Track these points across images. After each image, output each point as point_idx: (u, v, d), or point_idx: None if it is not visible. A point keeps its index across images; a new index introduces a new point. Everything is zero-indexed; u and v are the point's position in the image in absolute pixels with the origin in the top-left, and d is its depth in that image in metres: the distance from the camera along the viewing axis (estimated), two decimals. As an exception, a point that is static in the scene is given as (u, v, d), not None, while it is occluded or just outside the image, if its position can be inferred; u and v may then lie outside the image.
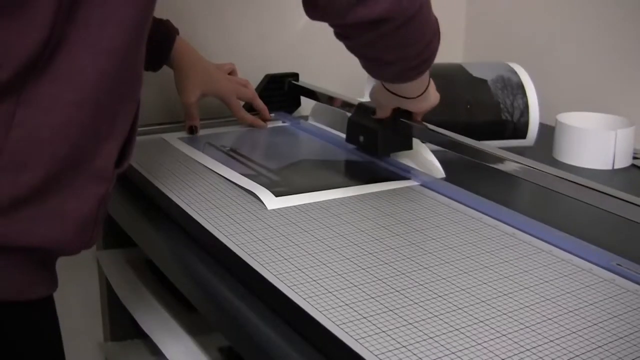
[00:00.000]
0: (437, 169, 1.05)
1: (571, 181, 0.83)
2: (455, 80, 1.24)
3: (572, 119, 1.22)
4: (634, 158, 1.19)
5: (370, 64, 0.91)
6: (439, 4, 1.65)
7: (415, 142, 1.09)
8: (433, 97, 1.03)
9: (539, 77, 1.49)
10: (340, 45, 1.59)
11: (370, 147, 1.10)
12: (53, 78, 0.63)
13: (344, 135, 1.17)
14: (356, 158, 1.11)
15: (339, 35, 0.86)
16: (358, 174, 1.04)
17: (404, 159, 1.08)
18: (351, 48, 0.88)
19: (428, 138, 1.05)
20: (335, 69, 1.53)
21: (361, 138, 1.11)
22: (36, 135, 0.63)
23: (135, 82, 0.72)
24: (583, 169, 1.15)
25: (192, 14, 1.36)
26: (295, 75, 1.37)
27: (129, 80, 0.70)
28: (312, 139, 1.21)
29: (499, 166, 0.92)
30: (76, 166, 0.67)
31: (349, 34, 0.84)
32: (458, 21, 1.69)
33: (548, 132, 1.28)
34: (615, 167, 1.15)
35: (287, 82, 1.36)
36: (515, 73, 1.27)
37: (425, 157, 1.08)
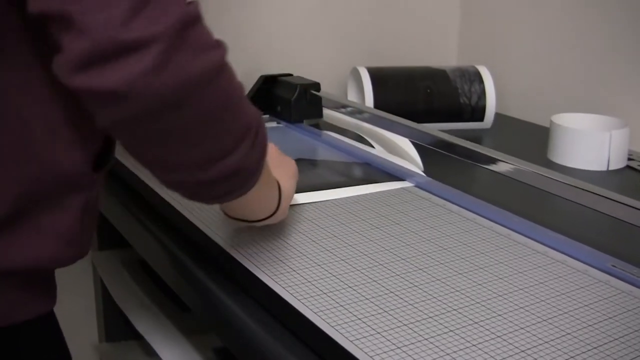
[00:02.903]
0: (417, 163, 1.05)
1: (566, 183, 0.83)
2: (415, 72, 1.37)
3: (567, 120, 1.23)
4: (629, 159, 1.19)
5: (145, 167, 0.62)
6: (433, 7, 1.67)
7: (397, 137, 1.13)
8: (281, 214, 0.79)
9: (533, 78, 1.50)
10: (334, 46, 1.60)
11: (285, 115, 1.29)
12: (9, 98, 0.61)
13: (338, 136, 1.18)
14: (350, 159, 1.11)
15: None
16: (352, 174, 1.04)
17: (384, 152, 1.09)
18: (114, 137, 0.64)
19: (426, 140, 1.05)
20: (330, 70, 1.53)
21: (278, 107, 1.30)
22: (4, 160, 0.61)
23: None
24: (577, 170, 1.15)
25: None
26: (289, 76, 1.37)
27: None
28: (307, 140, 1.21)
29: (494, 167, 0.92)
30: (48, 180, 0.64)
31: (89, 107, 0.56)
32: (452, 24, 1.69)
33: (542, 133, 1.28)
34: (610, 168, 1.15)
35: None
36: (474, 67, 1.39)
37: (406, 152, 1.09)
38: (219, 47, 0.57)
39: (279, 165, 0.78)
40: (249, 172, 0.64)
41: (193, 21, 0.54)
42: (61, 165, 0.65)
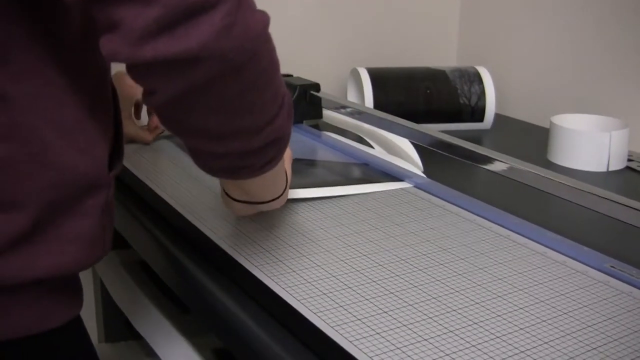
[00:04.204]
0: (417, 164, 1.06)
1: (565, 184, 0.83)
2: (414, 73, 1.38)
3: (566, 121, 1.23)
4: (629, 160, 1.19)
5: (194, 142, 0.63)
6: (432, 7, 1.67)
7: (397, 138, 1.13)
8: (285, 197, 0.81)
9: (533, 79, 1.50)
10: (334, 47, 1.60)
11: None
12: (20, 107, 0.61)
13: (338, 137, 1.18)
14: (350, 160, 1.11)
15: (145, 93, 0.58)
16: (352, 175, 1.04)
17: (384, 153, 1.09)
18: (163, 116, 0.60)
19: (426, 141, 1.05)
20: (330, 70, 1.53)
21: None
22: (19, 170, 0.61)
23: (102, 81, 0.69)
24: (577, 171, 1.15)
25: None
26: (289, 77, 1.37)
27: (94, 86, 0.67)
28: (306, 141, 1.21)
29: (493, 168, 0.92)
30: (67, 186, 0.64)
31: (150, 82, 0.56)
32: (452, 25, 1.69)
33: (542, 133, 1.28)
34: (610, 169, 1.15)
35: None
36: (474, 67, 1.39)
37: (405, 152, 1.09)
38: (261, 10, 0.58)
39: None
40: (286, 138, 0.66)
41: None
42: (78, 170, 0.65)
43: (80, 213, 0.66)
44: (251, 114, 0.59)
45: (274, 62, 0.60)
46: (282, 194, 0.79)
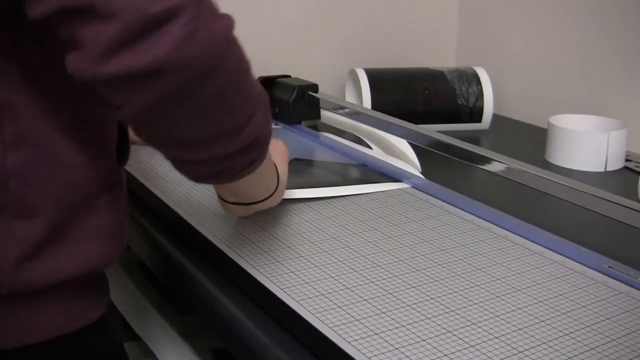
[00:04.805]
0: (415, 165, 1.06)
1: (563, 184, 0.83)
2: (413, 73, 1.38)
3: (564, 121, 1.23)
4: (627, 160, 1.19)
5: (171, 152, 0.62)
6: (431, 8, 1.68)
7: (395, 138, 1.14)
8: (279, 195, 0.81)
9: (531, 79, 1.50)
10: (332, 48, 1.60)
11: (283, 116, 1.28)
12: (25, 114, 0.61)
13: (336, 138, 1.18)
14: (348, 160, 1.11)
15: (113, 107, 0.57)
16: (350, 175, 1.04)
17: (382, 153, 1.09)
18: (136, 129, 0.59)
19: (424, 141, 1.05)
20: (328, 71, 1.53)
21: (276, 109, 1.30)
22: (33, 176, 0.62)
23: None
24: (575, 171, 1.15)
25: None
26: (287, 77, 1.37)
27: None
28: (305, 141, 1.21)
29: (491, 168, 0.92)
30: (82, 184, 0.65)
31: (117, 98, 0.55)
32: (450, 26, 1.69)
33: (540, 134, 1.28)
34: (608, 169, 1.15)
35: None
36: (472, 68, 1.39)
37: (403, 152, 1.09)
38: (224, 14, 0.57)
39: (271, 145, 0.78)
40: (266, 137, 0.65)
41: None
42: (91, 167, 0.66)
43: (96, 210, 0.67)
44: (225, 118, 0.59)
45: (243, 64, 0.59)
46: (274, 192, 0.78)
